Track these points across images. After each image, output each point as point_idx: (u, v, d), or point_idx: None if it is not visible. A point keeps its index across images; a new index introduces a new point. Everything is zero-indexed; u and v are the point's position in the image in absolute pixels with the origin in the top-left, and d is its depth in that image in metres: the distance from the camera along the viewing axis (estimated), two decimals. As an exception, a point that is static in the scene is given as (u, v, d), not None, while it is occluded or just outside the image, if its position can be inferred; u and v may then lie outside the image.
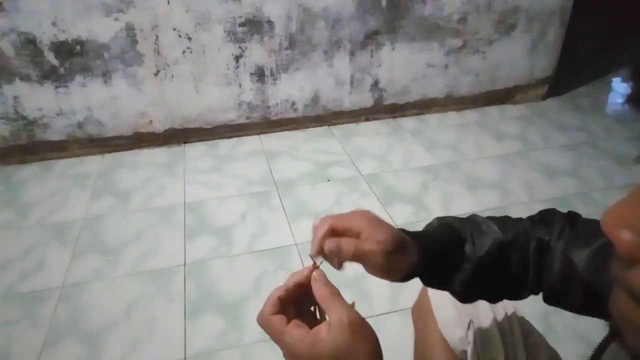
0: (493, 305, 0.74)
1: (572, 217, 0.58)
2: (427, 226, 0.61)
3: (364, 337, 0.43)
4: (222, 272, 1.58)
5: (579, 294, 0.53)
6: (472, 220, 0.59)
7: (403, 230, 0.56)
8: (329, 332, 0.42)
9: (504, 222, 0.59)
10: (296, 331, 0.44)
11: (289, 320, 0.45)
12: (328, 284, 0.47)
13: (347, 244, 0.50)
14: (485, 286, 0.57)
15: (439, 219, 0.60)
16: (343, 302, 0.45)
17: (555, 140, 2.43)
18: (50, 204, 1.95)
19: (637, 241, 0.23)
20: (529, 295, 0.58)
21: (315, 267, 0.49)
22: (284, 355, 0.45)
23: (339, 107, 2.55)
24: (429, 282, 0.57)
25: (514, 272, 0.56)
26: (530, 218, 0.60)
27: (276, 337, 0.45)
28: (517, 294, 0.58)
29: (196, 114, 2.36)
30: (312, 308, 0.50)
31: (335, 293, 0.46)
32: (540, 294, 0.58)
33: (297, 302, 0.48)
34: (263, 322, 0.46)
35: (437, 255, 0.54)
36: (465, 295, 0.59)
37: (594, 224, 0.55)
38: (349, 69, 2.45)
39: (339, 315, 0.43)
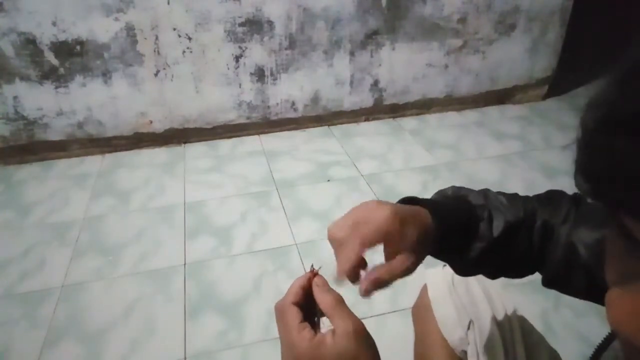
0: (493, 305, 0.74)
1: (578, 200, 0.57)
2: (440, 193, 0.59)
3: (366, 347, 0.43)
4: (222, 272, 1.58)
5: (581, 281, 0.53)
6: (487, 196, 0.58)
7: (414, 199, 0.54)
8: (334, 338, 0.42)
9: (514, 200, 0.58)
10: (305, 331, 0.44)
11: (303, 319, 0.45)
12: (331, 290, 0.46)
13: (383, 278, 0.47)
14: (490, 265, 0.57)
15: (454, 188, 0.59)
16: (347, 311, 0.45)
17: (555, 140, 2.43)
18: (50, 204, 1.95)
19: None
20: (527, 275, 0.59)
21: (314, 273, 0.48)
22: (285, 351, 0.44)
23: (339, 107, 2.55)
24: (439, 253, 0.55)
25: (520, 252, 0.56)
26: (537, 197, 0.59)
27: (285, 329, 0.44)
28: (519, 273, 0.58)
29: (196, 114, 2.36)
30: (315, 319, 0.49)
31: (339, 300, 0.45)
32: (535, 278, 0.58)
33: (305, 308, 0.47)
34: (281, 308, 0.46)
35: (452, 230, 0.52)
36: (467, 272, 0.58)
37: (598, 208, 0.54)
38: (349, 69, 2.45)
39: (344, 324, 0.43)
